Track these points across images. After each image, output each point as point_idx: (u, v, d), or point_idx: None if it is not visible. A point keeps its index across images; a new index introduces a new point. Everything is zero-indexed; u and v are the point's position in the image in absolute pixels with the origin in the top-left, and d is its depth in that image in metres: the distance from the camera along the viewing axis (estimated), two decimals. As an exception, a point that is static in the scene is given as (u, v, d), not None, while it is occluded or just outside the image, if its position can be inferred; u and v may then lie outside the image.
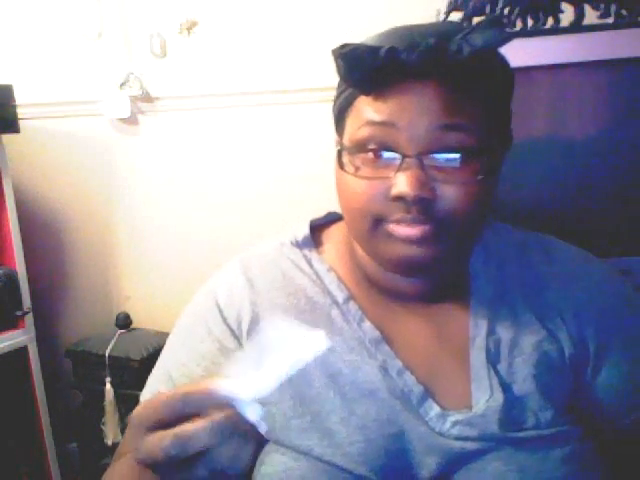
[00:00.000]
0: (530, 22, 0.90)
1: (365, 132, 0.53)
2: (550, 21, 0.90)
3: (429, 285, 0.61)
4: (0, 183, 1.34)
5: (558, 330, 0.59)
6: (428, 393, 0.56)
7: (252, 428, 0.41)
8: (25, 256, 1.41)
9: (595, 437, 0.56)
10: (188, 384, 0.44)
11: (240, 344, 0.60)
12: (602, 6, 0.87)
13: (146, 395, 0.64)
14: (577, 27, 0.88)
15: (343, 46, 0.51)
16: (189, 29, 1.49)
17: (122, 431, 1.47)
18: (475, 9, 0.91)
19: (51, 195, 1.65)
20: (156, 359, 0.68)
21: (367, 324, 0.59)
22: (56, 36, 1.55)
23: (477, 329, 0.59)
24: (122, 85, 1.53)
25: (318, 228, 0.69)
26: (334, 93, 0.59)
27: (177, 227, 1.63)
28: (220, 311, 0.62)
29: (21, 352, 1.40)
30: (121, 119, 1.58)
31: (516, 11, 0.89)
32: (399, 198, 0.51)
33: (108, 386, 1.47)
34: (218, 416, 0.39)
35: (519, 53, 0.84)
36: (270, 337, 0.42)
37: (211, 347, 0.61)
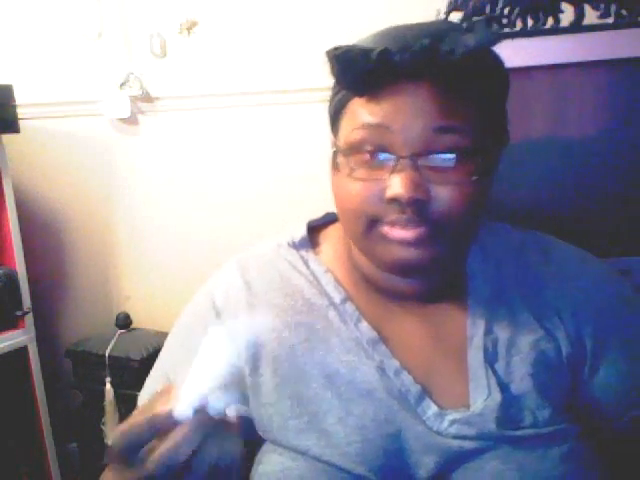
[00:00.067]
0: (530, 22, 0.90)
1: (359, 134, 0.53)
2: (550, 21, 0.90)
3: (426, 285, 0.61)
4: (0, 183, 1.34)
5: (556, 329, 0.59)
6: (426, 393, 0.56)
7: (227, 419, 0.44)
8: (25, 256, 1.41)
9: (593, 436, 0.56)
10: (148, 402, 0.46)
11: None
12: (602, 6, 0.87)
13: (144, 396, 0.64)
14: (577, 27, 0.88)
15: (336, 48, 0.51)
16: (189, 29, 1.49)
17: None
18: (475, 9, 0.91)
19: (51, 195, 1.66)
20: (156, 359, 0.68)
21: (364, 324, 0.59)
22: (56, 36, 1.55)
23: (475, 328, 0.59)
24: (122, 85, 1.53)
25: (316, 229, 0.69)
26: (332, 94, 0.59)
27: (177, 227, 1.63)
28: (217, 313, 0.62)
29: (21, 352, 1.40)
30: (121, 119, 1.58)
31: (516, 11, 0.89)
32: (394, 200, 0.51)
33: (108, 386, 1.47)
34: (188, 423, 0.42)
35: (519, 53, 0.84)
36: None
37: None
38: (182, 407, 0.42)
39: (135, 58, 1.54)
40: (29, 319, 1.41)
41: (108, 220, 1.67)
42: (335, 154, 0.57)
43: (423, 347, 0.59)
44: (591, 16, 0.88)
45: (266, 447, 0.56)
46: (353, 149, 0.54)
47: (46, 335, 1.58)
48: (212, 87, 1.52)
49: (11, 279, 1.36)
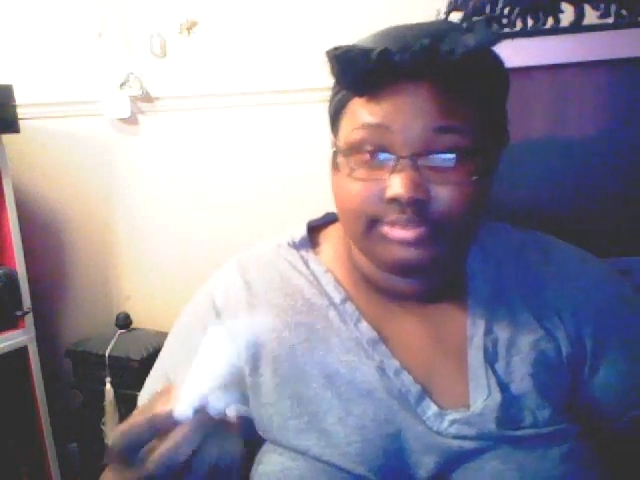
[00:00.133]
0: (530, 22, 0.90)
1: (359, 134, 0.53)
2: (550, 21, 0.90)
3: (426, 285, 0.61)
4: (0, 183, 1.34)
5: (556, 329, 0.59)
6: (426, 393, 0.56)
7: (227, 419, 0.44)
8: (25, 256, 1.41)
9: (593, 436, 0.56)
10: (148, 402, 0.46)
11: None
12: (602, 6, 0.87)
13: (144, 396, 0.64)
14: (577, 27, 0.88)
15: (336, 48, 0.51)
16: (189, 29, 1.49)
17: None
18: (475, 9, 0.91)
19: (51, 195, 1.66)
20: (156, 359, 0.68)
21: (364, 324, 0.59)
22: (56, 36, 1.55)
23: (475, 328, 0.59)
24: (122, 85, 1.53)
25: (316, 229, 0.69)
26: (332, 94, 0.59)
27: (177, 227, 1.63)
28: (217, 313, 0.62)
29: (21, 352, 1.40)
30: (121, 119, 1.58)
31: (516, 11, 0.89)
32: (394, 200, 0.51)
33: (108, 386, 1.47)
34: (188, 423, 0.42)
35: (519, 53, 0.84)
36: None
37: None
38: (182, 407, 0.42)
39: (135, 58, 1.54)
40: (29, 319, 1.41)
41: (108, 220, 1.67)
42: (335, 154, 0.57)
43: (423, 347, 0.59)
44: (591, 16, 0.88)
45: (266, 447, 0.56)
46: (353, 149, 0.54)
47: (46, 335, 1.58)
48: (212, 87, 1.52)
49: (11, 279, 1.36)
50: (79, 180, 1.64)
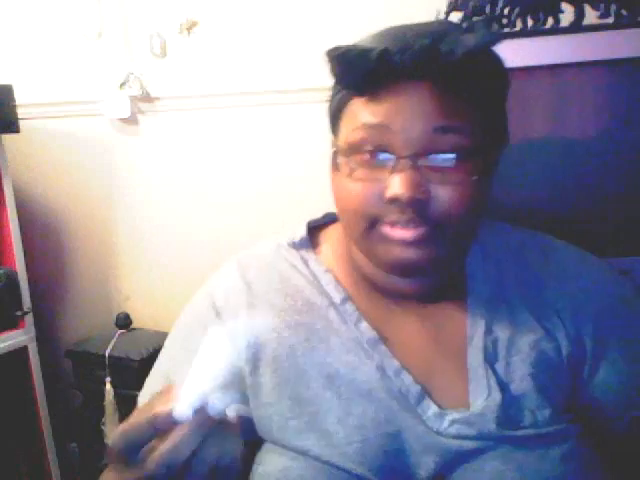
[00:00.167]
0: (530, 22, 0.90)
1: (360, 134, 0.53)
2: (550, 21, 0.90)
3: (426, 285, 0.61)
4: (0, 183, 1.34)
5: (555, 329, 0.59)
6: (426, 393, 0.56)
7: (227, 419, 0.44)
8: (25, 256, 1.41)
9: (594, 436, 0.56)
10: (148, 402, 0.46)
11: None
12: (602, 6, 0.87)
13: (144, 396, 0.64)
14: (577, 27, 0.88)
15: (336, 48, 0.51)
16: (189, 29, 1.49)
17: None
18: (475, 9, 0.91)
19: (51, 195, 1.66)
20: (156, 359, 0.68)
21: (364, 324, 0.59)
22: (56, 36, 1.55)
23: (475, 328, 0.59)
24: (122, 85, 1.53)
25: (316, 229, 0.69)
26: (333, 94, 0.59)
27: (177, 227, 1.63)
28: (217, 313, 0.62)
29: (21, 352, 1.40)
30: (121, 119, 1.58)
31: (516, 11, 0.89)
32: (394, 200, 0.51)
33: (108, 386, 1.47)
34: (188, 423, 0.42)
35: (519, 53, 0.84)
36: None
37: None
38: (182, 407, 0.42)
39: (135, 58, 1.54)
40: (29, 319, 1.41)
41: (108, 220, 1.67)
42: (335, 154, 0.57)
43: (423, 347, 0.59)
44: (591, 16, 0.88)
45: (266, 447, 0.56)
46: (353, 149, 0.54)
47: (46, 335, 1.58)
48: (212, 87, 1.52)
49: (11, 279, 1.36)
50: (79, 180, 1.64)
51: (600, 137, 0.90)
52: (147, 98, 1.56)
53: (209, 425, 0.42)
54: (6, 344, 1.36)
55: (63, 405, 1.62)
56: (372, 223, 0.54)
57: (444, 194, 0.51)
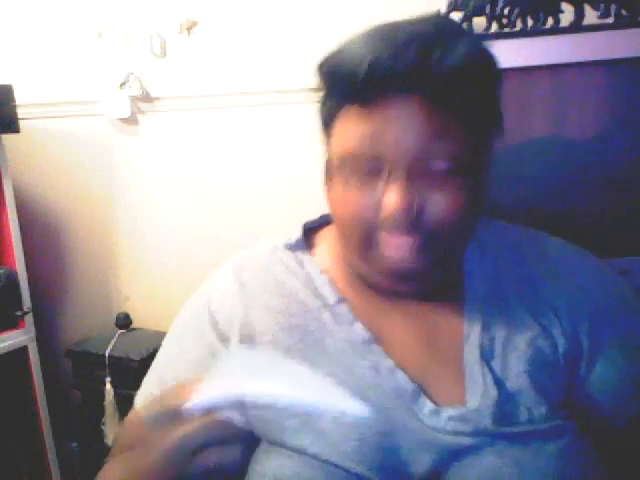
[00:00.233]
0: (530, 22, 0.90)
1: (352, 143, 0.53)
2: (550, 21, 0.90)
3: (423, 285, 0.61)
4: (0, 183, 1.34)
5: (552, 326, 0.59)
6: (421, 390, 0.56)
7: (231, 425, 0.46)
8: (25, 256, 1.41)
9: (591, 433, 0.56)
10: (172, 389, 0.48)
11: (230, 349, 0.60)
12: (602, 6, 0.87)
13: (140, 397, 0.65)
14: (577, 27, 0.88)
15: (324, 61, 0.52)
16: (189, 29, 1.49)
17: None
18: (475, 9, 0.91)
19: (51, 195, 1.65)
20: (156, 359, 0.68)
21: (358, 325, 0.59)
22: (56, 36, 1.55)
23: (471, 326, 0.59)
24: (122, 85, 1.53)
25: (312, 230, 0.69)
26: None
27: (177, 227, 1.63)
28: (212, 316, 0.63)
29: (21, 352, 1.40)
30: (121, 119, 1.58)
31: (516, 11, 0.89)
32: (390, 215, 0.51)
33: (108, 386, 1.47)
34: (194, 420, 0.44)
35: (519, 53, 0.84)
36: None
37: (203, 351, 0.61)
38: (194, 403, 0.43)
39: (135, 58, 1.54)
40: (29, 319, 1.41)
41: (108, 220, 1.67)
42: (328, 163, 0.57)
43: (419, 345, 0.59)
44: (591, 16, 0.88)
45: (263, 447, 0.57)
46: (346, 158, 0.53)
47: (46, 335, 1.58)
48: (212, 87, 1.52)
49: (11, 279, 1.36)
50: (79, 180, 1.64)
51: (600, 137, 0.90)
52: (147, 98, 1.56)
53: (215, 426, 0.43)
54: (6, 344, 1.35)
55: (63, 405, 1.62)
56: (367, 231, 0.54)
57: (439, 202, 0.51)
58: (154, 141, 1.59)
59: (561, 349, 0.58)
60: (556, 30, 0.89)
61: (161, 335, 0.70)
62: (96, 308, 1.71)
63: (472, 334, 0.58)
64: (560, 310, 0.60)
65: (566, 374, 0.58)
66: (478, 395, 0.55)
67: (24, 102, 1.43)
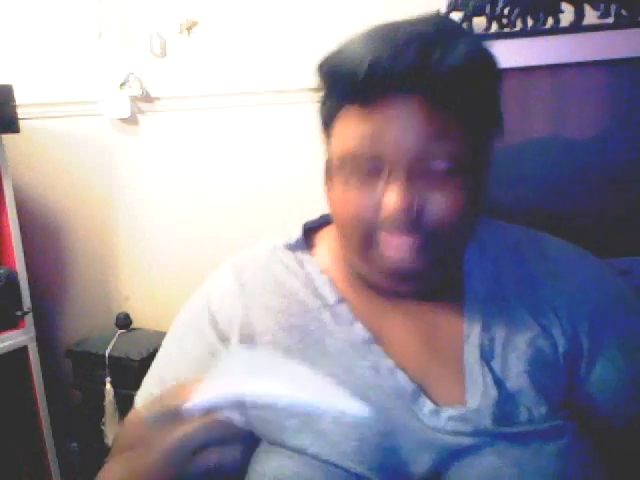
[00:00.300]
0: (530, 22, 0.90)
1: (353, 143, 0.53)
2: (550, 21, 0.90)
3: (423, 285, 0.61)
4: (0, 183, 1.34)
5: (552, 326, 0.59)
6: (421, 390, 0.56)
7: (231, 425, 0.46)
8: (25, 256, 1.41)
9: (593, 434, 0.56)
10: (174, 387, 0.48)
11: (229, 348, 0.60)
12: (602, 6, 0.87)
13: (140, 397, 0.65)
14: (577, 27, 0.88)
15: (325, 61, 0.52)
16: (189, 29, 1.49)
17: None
18: (475, 9, 0.91)
19: (51, 195, 1.65)
20: (156, 359, 0.68)
21: (358, 325, 0.59)
22: (56, 36, 1.55)
23: (471, 326, 0.59)
24: (122, 85, 1.53)
25: (312, 230, 0.69)
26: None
27: (177, 227, 1.63)
28: (212, 316, 0.62)
29: (21, 352, 1.40)
30: (121, 119, 1.58)
31: (516, 11, 0.89)
32: (390, 216, 0.51)
33: (108, 386, 1.47)
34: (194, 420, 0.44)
35: (519, 53, 0.84)
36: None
37: (202, 351, 0.61)
38: (195, 403, 0.43)
39: (135, 58, 1.54)
40: (29, 319, 1.41)
41: (108, 220, 1.67)
42: (328, 163, 0.57)
43: (419, 345, 0.59)
44: (591, 16, 0.88)
45: (263, 446, 0.57)
46: (347, 158, 0.53)
47: (46, 335, 1.58)
48: (212, 87, 1.52)
49: (11, 279, 1.36)
50: (79, 180, 1.64)
51: (600, 137, 0.90)
52: (147, 98, 1.56)
53: (215, 426, 0.43)
54: (6, 344, 1.35)
55: (63, 405, 1.62)
56: (367, 231, 0.54)
57: (439, 202, 0.51)
58: (154, 141, 1.59)
59: (561, 349, 0.58)
60: (556, 30, 0.89)
61: (161, 335, 0.70)
62: (96, 308, 1.71)
63: (472, 334, 0.58)
64: (560, 310, 0.60)
65: (566, 374, 0.58)
66: (478, 395, 0.55)
67: (24, 102, 1.43)
